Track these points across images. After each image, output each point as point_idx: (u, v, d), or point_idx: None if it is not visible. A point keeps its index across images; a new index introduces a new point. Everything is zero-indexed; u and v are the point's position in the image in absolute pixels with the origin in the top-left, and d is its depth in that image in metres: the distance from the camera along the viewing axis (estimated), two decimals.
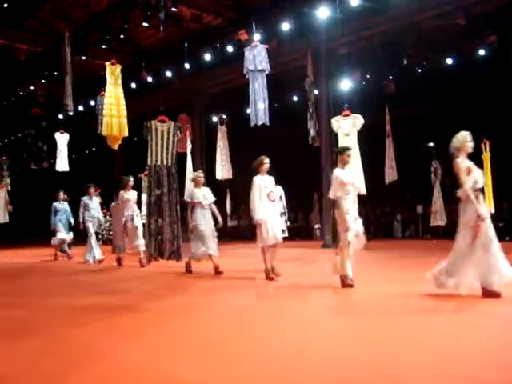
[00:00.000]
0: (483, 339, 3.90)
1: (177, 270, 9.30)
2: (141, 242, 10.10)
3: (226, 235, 22.47)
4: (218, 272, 8.63)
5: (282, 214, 11.16)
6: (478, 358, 3.41)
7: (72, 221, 13.24)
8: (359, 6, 12.95)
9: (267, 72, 10.70)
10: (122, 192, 10.27)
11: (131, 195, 10.47)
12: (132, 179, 10.56)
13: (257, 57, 10.79)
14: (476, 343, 3.78)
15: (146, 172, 16.98)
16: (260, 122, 10.60)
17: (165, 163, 8.85)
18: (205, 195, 8.84)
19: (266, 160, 7.79)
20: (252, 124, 10.65)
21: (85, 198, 12.09)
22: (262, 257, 7.81)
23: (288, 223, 11.52)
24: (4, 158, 17.17)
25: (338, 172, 6.74)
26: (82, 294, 7.11)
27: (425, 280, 5.87)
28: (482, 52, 14.79)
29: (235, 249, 15.53)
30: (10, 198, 17.01)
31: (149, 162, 8.81)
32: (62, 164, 16.18)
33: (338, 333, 4.28)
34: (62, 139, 16.35)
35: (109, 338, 4.35)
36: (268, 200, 7.65)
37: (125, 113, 10.93)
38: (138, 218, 10.55)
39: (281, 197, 11.18)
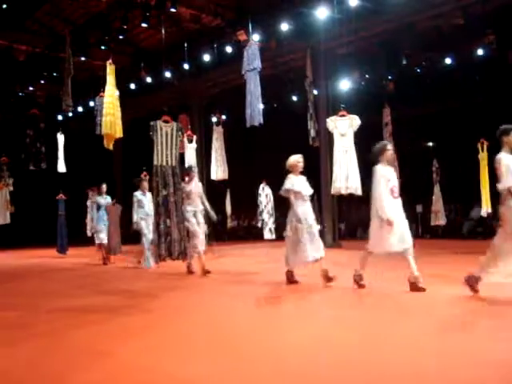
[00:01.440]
0: (484, 339, 3.91)
1: (181, 269, 9.31)
2: (203, 247, 8.85)
3: (224, 236, 22.51)
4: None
5: (271, 214, 11.25)
6: (478, 359, 3.42)
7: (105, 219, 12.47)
8: (358, 6, 12.96)
9: (259, 70, 10.68)
10: (183, 185, 8.82)
11: (195, 187, 8.88)
12: (196, 169, 9.24)
13: (251, 56, 10.79)
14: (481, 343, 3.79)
15: (145, 173, 17.13)
16: (256, 123, 10.58)
17: (169, 163, 8.87)
18: (306, 185, 7.32)
19: (389, 146, 6.49)
20: (248, 124, 10.63)
21: (137, 194, 10.61)
22: (360, 262, 6.62)
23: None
24: (4, 158, 17.16)
25: None
26: (83, 294, 7.11)
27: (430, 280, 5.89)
28: (480, 52, 14.80)
29: (236, 249, 15.53)
30: (11, 199, 17.01)
31: (155, 163, 8.82)
32: (61, 165, 16.19)
33: (341, 333, 4.29)
34: (60, 140, 16.36)
35: (111, 338, 4.35)
36: (391, 196, 6.21)
37: (120, 114, 10.93)
38: (201, 216, 9.04)
39: (270, 197, 11.24)
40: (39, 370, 3.49)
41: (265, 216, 11.82)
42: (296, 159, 7.36)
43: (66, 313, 5.57)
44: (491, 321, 4.52)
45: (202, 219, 8.92)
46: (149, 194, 10.21)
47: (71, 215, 16.33)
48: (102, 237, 11.97)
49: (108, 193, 16.58)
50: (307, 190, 7.22)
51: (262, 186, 11.36)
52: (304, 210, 7.03)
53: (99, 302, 6.27)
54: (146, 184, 10.09)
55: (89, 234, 19.06)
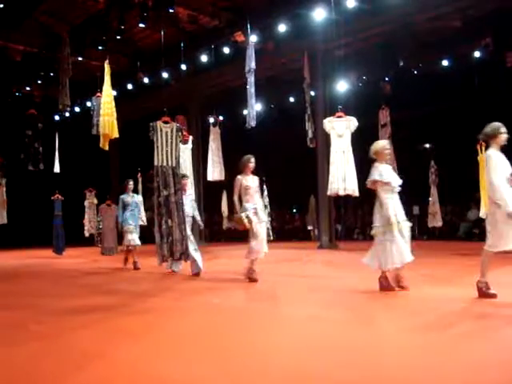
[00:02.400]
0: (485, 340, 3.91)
1: (181, 271, 9.32)
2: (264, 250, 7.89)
3: (221, 236, 22.53)
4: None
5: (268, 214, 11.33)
6: (477, 360, 3.41)
7: (144, 219, 11.68)
8: (355, 7, 12.99)
9: (252, 70, 10.74)
10: (239, 177, 7.79)
11: (251, 181, 7.86)
12: (253, 159, 7.98)
13: (250, 57, 10.86)
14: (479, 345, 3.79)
15: (140, 174, 17.11)
16: (253, 124, 10.65)
17: (170, 164, 8.87)
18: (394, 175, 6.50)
19: (503, 129, 5.72)
20: (248, 126, 10.68)
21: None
22: (483, 265, 5.61)
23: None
24: None
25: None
26: (79, 295, 7.09)
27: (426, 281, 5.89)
28: (477, 54, 14.86)
29: (232, 250, 15.52)
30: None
31: (155, 163, 8.82)
32: (56, 165, 16.17)
33: (336, 334, 4.28)
34: (56, 140, 16.33)
35: (107, 339, 4.34)
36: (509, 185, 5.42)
37: (115, 114, 10.93)
38: (263, 213, 8.03)
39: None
40: (35, 371, 3.47)
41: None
42: (383, 145, 6.54)
43: (63, 313, 5.55)
44: (491, 321, 4.52)
45: (264, 217, 7.89)
46: (189, 192, 9.53)
47: (68, 216, 16.30)
48: (130, 238, 10.57)
49: (104, 193, 16.55)
50: (397, 180, 6.38)
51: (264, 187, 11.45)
52: (393, 203, 6.26)
53: (95, 303, 6.25)
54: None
55: (86, 234, 19.08)
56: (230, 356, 3.67)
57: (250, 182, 7.74)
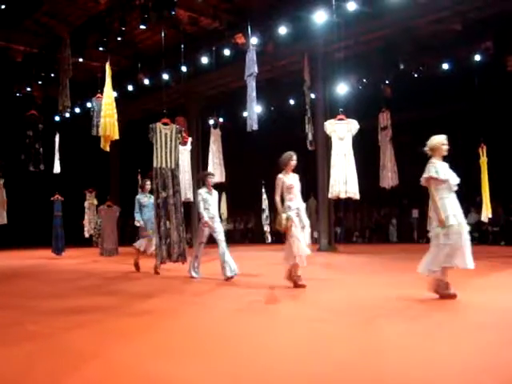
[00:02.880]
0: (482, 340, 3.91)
1: (174, 271, 9.30)
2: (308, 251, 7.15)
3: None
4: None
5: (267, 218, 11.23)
6: (475, 362, 3.41)
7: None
8: (356, 10, 13.00)
9: (255, 75, 10.74)
10: (280, 176, 7.23)
11: (293, 180, 7.30)
12: (295, 157, 7.46)
13: (250, 61, 10.85)
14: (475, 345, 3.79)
15: (140, 175, 17.09)
16: (255, 127, 10.64)
17: (169, 166, 8.89)
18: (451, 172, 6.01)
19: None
20: (249, 129, 10.68)
21: (202, 192, 8.58)
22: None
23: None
24: None
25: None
26: (78, 295, 7.08)
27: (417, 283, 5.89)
28: (478, 57, 14.88)
29: (232, 252, 15.51)
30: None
31: (154, 165, 8.84)
32: (56, 166, 16.17)
33: (332, 336, 4.28)
34: (56, 141, 16.34)
35: (102, 339, 4.33)
36: None
37: (116, 115, 10.94)
38: (306, 215, 7.29)
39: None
40: (32, 371, 3.47)
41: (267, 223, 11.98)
42: (440, 140, 6.08)
43: (59, 314, 5.55)
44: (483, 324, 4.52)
45: (306, 219, 7.15)
46: (215, 193, 8.64)
47: (68, 216, 16.31)
48: (149, 243, 9.84)
49: (104, 194, 16.54)
50: (454, 178, 5.92)
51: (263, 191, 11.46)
52: (451, 203, 5.82)
53: (93, 304, 6.25)
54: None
55: (86, 235, 19.10)
56: (228, 357, 3.67)
57: (292, 180, 7.23)
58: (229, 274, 8.16)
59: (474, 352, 3.67)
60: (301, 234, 6.92)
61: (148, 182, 9.86)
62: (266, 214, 13.12)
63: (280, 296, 6.55)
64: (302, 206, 7.18)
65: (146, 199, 9.83)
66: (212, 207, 8.45)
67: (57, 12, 15.80)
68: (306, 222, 7.08)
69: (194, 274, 8.63)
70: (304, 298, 6.38)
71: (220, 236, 8.44)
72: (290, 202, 7.03)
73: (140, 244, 9.94)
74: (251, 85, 10.82)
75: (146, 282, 8.73)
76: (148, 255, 10.05)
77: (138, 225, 9.87)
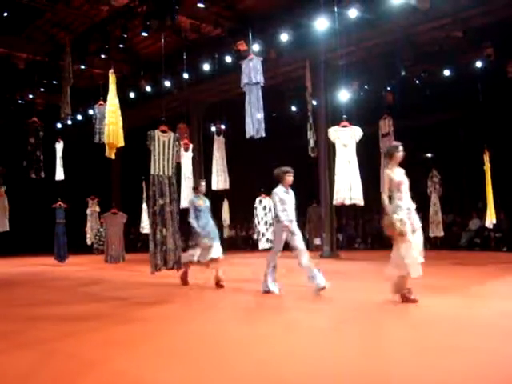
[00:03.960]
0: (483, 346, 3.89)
1: (174, 278, 9.29)
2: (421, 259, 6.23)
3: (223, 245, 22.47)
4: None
5: (270, 224, 11.07)
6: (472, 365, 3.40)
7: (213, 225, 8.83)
8: (357, 17, 13.02)
9: (262, 84, 10.71)
10: (388, 171, 6.42)
11: (402, 175, 6.49)
12: (401, 148, 6.62)
13: (252, 70, 10.79)
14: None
15: (144, 183, 17.10)
16: (257, 135, 10.60)
17: (166, 173, 8.90)
18: None
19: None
20: (248, 136, 10.63)
21: (279, 191, 7.56)
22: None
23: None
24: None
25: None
26: (79, 302, 7.09)
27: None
28: (478, 64, 14.90)
29: (234, 258, 15.50)
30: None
31: (152, 172, 8.85)
32: (59, 173, 16.18)
33: (335, 343, 4.26)
34: (58, 148, 16.37)
35: (104, 346, 4.33)
36: None
37: (121, 123, 10.95)
38: (417, 216, 6.46)
39: (270, 208, 11.07)
40: (34, 378, 3.46)
41: (261, 228, 11.75)
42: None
43: (62, 321, 5.55)
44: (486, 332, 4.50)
45: (418, 222, 6.31)
46: (292, 192, 7.79)
47: (70, 224, 16.31)
48: (209, 252, 8.49)
49: (107, 201, 16.52)
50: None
51: (258, 199, 11.30)
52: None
53: (94, 311, 6.24)
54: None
55: (88, 242, 19.10)
56: (229, 364, 3.66)
57: (401, 175, 6.35)
58: (323, 283, 7.02)
59: (478, 357, 3.66)
60: (413, 238, 6.05)
61: (203, 183, 9.05)
62: (260, 219, 12.77)
63: (282, 302, 6.54)
64: (413, 206, 6.31)
65: (200, 202, 8.78)
66: (290, 208, 7.46)
67: (59, 19, 15.87)
68: (418, 224, 6.22)
69: (273, 289, 7.34)
70: (306, 305, 6.36)
71: (300, 243, 7.32)
72: (399, 202, 6.18)
73: (192, 254, 8.64)
74: (256, 93, 10.77)
75: (147, 289, 8.72)
76: (203, 265, 8.61)
77: (201, 237, 8.44)
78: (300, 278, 7.29)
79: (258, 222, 11.51)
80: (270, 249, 11.48)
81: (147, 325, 5.31)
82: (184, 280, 8.93)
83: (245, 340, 4.51)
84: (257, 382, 3.29)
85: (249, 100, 10.66)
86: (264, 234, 11.70)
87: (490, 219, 12.89)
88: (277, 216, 7.41)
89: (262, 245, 11.80)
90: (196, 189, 9.02)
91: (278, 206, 7.37)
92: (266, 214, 11.43)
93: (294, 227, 7.36)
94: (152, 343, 4.44)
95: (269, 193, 11.12)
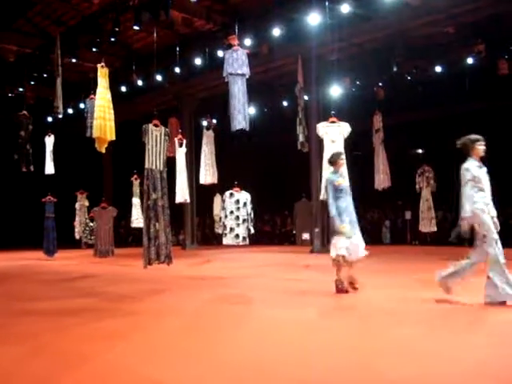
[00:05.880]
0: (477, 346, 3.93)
1: (166, 272, 9.29)
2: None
3: (213, 240, 22.48)
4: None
5: (244, 220, 10.91)
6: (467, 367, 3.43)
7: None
8: (350, 13, 13.04)
9: (247, 77, 10.64)
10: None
11: (480, 170, 5.93)
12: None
13: (237, 60, 10.70)
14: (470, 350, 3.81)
15: (136, 176, 17.05)
16: (238, 127, 10.50)
17: (158, 167, 8.91)
18: None
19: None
20: (233, 129, 10.56)
21: (470, 166, 5.94)
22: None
23: (252, 230, 11.16)
24: None
25: None
26: (68, 296, 7.05)
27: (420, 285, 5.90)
28: (470, 60, 14.96)
29: (225, 253, 15.52)
30: None
31: (146, 166, 8.85)
32: (49, 167, 16.10)
33: (327, 339, 4.28)
34: (49, 142, 16.28)
35: (94, 340, 4.31)
36: None
37: (113, 116, 10.91)
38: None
39: (245, 203, 10.93)
40: (22, 373, 3.45)
41: (229, 222, 11.20)
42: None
43: (50, 315, 5.53)
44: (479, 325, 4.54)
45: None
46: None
47: (60, 218, 16.21)
48: (343, 245, 6.44)
49: (96, 195, 16.44)
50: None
51: (229, 192, 10.89)
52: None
53: (84, 305, 6.22)
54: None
55: (77, 236, 19.02)
56: (219, 360, 3.66)
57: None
58: None
59: (471, 353, 3.68)
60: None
61: (343, 156, 7.08)
62: (229, 213, 12.20)
63: (268, 299, 6.53)
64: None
65: (340, 180, 6.75)
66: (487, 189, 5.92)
67: (50, 12, 15.74)
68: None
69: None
70: (293, 301, 6.36)
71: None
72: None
73: (339, 247, 6.43)
74: (240, 86, 10.68)
75: (137, 283, 8.69)
76: (350, 263, 6.58)
77: (338, 223, 6.45)
78: (296, 273, 7.28)
79: (226, 216, 11.07)
80: (236, 245, 11.30)
81: (139, 318, 5.31)
82: (341, 287, 6.55)
83: (239, 334, 4.52)
84: (248, 375, 3.30)
85: (232, 91, 10.54)
86: (233, 229, 11.23)
87: None
88: (329, 205, 6.41)
89: (228, 240, 11.24)
90: (334, 163, 6.94)
91: (331, 193, 6.49)
92: (238, 209, 11.08)
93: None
94: (143, 337, 4.43)
95: (242, 185, 11.07)
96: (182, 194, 14.02)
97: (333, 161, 6.89)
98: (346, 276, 6.55)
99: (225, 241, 11.29)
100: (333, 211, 6.46)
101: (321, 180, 11.19)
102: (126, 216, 19.56)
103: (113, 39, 14.79)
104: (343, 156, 6.92)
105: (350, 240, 6.35)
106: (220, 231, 21.20)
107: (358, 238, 6.49)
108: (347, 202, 6.59)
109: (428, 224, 15.94)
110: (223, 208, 11.01)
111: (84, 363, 3.61)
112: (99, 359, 3.72)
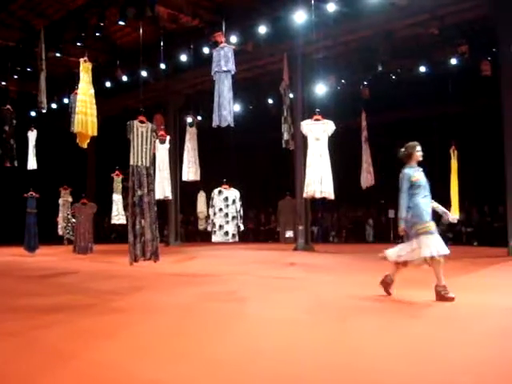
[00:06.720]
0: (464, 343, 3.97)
1: (150, 269, 9.26)
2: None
3: (197, 237, 22.47)
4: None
5: (233, 217, 10.92)
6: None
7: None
8: (336, 11, 13.09)
9: (233, 73, 10.64)
10: None
11: None
12: None
13: (223, 58, 10.71)
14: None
15: (118, 172, 16.93)
16: (224, 124, 10.50)
17: (144, 164, 8.88)
18: None
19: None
20: (214, 125, 10.53)
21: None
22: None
23: (241, 227, 11.19)
24: None
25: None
26: (51, 293, 7.00)
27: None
28: (453, 61, 15.13)
29: (209, 250, 15.51)
30: None
31: (131, 162, 8.81)
32: (32, 162, 15.93)
33: (308, 336, 4.31)
34: (32, 137, 16.11)
35: (78, 338, 4.28)
36: None
37: (95, 112, 10.83)
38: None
39: (234, 200, 10.93)
40: (4, 372, 3.41)
41: (218, 220, 11.16)
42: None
43: (33, 312, 5.48)
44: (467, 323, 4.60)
45: None
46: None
47: (42, 214, 16.05)
48: (433, 243, 5.79)
49: (80, 191, 16.30)
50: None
51: (217, 189, 10.85)
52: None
53: (67, 302, 6.18)
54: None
55: (60, 232, 18.83)
56: (203, 358, 3.66)
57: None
58: None
59: (449, 348, 3.73)
60: None
61: (419, 148, 6.22)
62: (218, 210, 12.10)
63: (255, 297, 6.54)
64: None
65: (418, 175, 6.06)
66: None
67: (34, 5, 15.55)
68: None
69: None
70: (278, 298, 6.38)
71: None
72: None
73: (434, 245, 5.77)
74: (226, 82, 10.67)
75: (122, 280, 8.65)
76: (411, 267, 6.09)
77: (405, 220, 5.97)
78: (279, 270, 7.31)
79: (215, 214, 11.08)
80: (226, 242, 11.32)
81: (125, 316, 5.28)
82: (386, 285, 6.10)
83: (226, 332, 4.52)
84: (237, 373, 3.30)
85: (217, 88, 10.55)
86: (222, 226, 11.23)
87: (454, 214, 13.16)
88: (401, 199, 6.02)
89: (217, 238, 11.22)
90: (409, 157, 6.18)
91: (405, 186, 6.01)
92: (227, 206, 11.08)
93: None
94: (130, 334, 4.41)
95: (231, 183, 11.08)
96: (163, 190, 13.92)
97: (407, 154, 6.13)
98: (394, 277, 6.03)
99: (214, 238, 11.27)
100: (403, 212, 5.95)
101: (305, 178, 11.22)
102: (109, 212, 19.45)
103: (98, 34, 14.69)
104: (419, 147, 6.15)
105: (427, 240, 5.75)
106: (202, 228, 21.34)
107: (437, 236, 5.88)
108: (428, 199, 6.05)
109: None
110: (212, 206, 11.00)
111: (69, 361, 3.58)
112: (85, 357, 3.69)
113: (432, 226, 5.82)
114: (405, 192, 5.95)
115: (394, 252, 6.02)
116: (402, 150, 6.11)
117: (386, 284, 6.05)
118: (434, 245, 5.72)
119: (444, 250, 5.72)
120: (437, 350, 3.72)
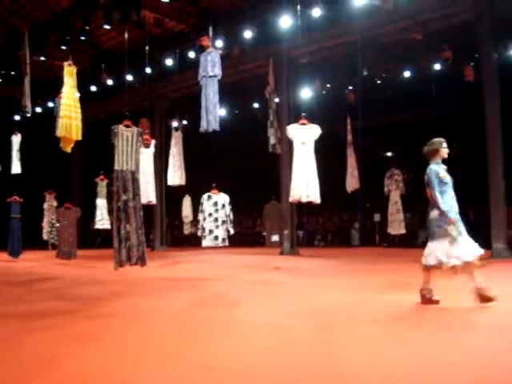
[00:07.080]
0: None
1: (136, 274, 9.20)
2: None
3: (182, 241, 22.40)
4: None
5: (223, 222, 10.95)
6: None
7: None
8: (321, 16, 13.17)
9: (219, 78, 10.67)
10: None
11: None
12: None
13: (210, 62, 10.75)
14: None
15: (102, 177, 16.83)
16: (210, 129, 10.53)
17: (129, 168, 8.84)
18: None
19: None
20: (202, 130, 10.56)
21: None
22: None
23: (232, 231, 11.24)
24: None
25: None
26: (35, 299, 6.93)
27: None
28: (437, 66, 15.31)
29: (194, 255, 15.46)
30: None
31: (115, 167, 8.76)
32: (16, 166, 15.79)
33: (293, 340, 4.31)
34: (16, 141, 15.97)
35: (62, 344, 4.24)
36: None
37: (80, 116, 10.77)
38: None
39: (224, 205, 10.96)
40: None
41: (208, 224, 11.18)
42: None
43: (18, 318, 5.42)
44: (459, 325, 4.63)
45: None
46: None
47: (26, 218, 15.89)
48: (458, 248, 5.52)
49: (65, 196, 16.16)
50: None
51: (207, 194, 10.86)
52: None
53: (51, 307, 6.12)
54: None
55: (45, 237, 18.67)
56: (189, 362, 3.65)
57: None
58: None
59: (434, 354, 3.75)
60: None
61: (445, 144, 5.88)
62: (208, 215, 12.11)
63: (241, 301, 6.53)
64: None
65: (445, 173, 5.78)
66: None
67: (19, 8, 15.45)
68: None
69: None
70: (264, 303, 6.38)
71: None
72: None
73: (435, 249, 5.80)
74: (212, 87, 10.69)
75: (107, 285, 8.59)
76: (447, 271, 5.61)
77: (449, 216, 5.59)
78: (265, 275, 7.29)
79: (204, 219, 11.13)
80: (215, 246, 11.33)
81: (110, 321, 5.24)
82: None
83: (213, 337, 4.50)
84: (223, 377, 3.30)
85: (204, 93, 10.58)
86: (212, 231, 11.27)
87: None
88: (435, 198, 5.72)
89: (207, 242, 11.25)
90: (434, 153, 5.88)
91: (436, 185, 5.69)
92: (217, 211, 11.13)
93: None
94: (116, 340, 4.38)
95: (220, 188, 11.11)
96: (146, 195, 13.85)
97: (433, 150, 5.85)
98: (473, 287, 5.36)
99: (204, 243, 11.29)
100: (444, 206, 5.62)
101: (290, 181, 11.26)
102: (94, 217, 19.33)
103: (83, 38, 14.62)
104: (445, 144, 5.87)
105: (455, 242, 5.52)
106: (188, 232, 21.27)
107: (466, 237, 5.59)
108: (453, 199, 5.80)
109: (397, 226, 16.19)
110: (201, 211, 11.04)
111: (55, 368, 3.54)
112: (71, 363, 3.66)
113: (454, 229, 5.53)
114: (436, 188, 5.63)
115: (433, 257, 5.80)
116: (428, 145, 5.84)
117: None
118: (444, 252, 5.61)
119: (454, 258, 5.47)
120: (423, 353, 3.74)
